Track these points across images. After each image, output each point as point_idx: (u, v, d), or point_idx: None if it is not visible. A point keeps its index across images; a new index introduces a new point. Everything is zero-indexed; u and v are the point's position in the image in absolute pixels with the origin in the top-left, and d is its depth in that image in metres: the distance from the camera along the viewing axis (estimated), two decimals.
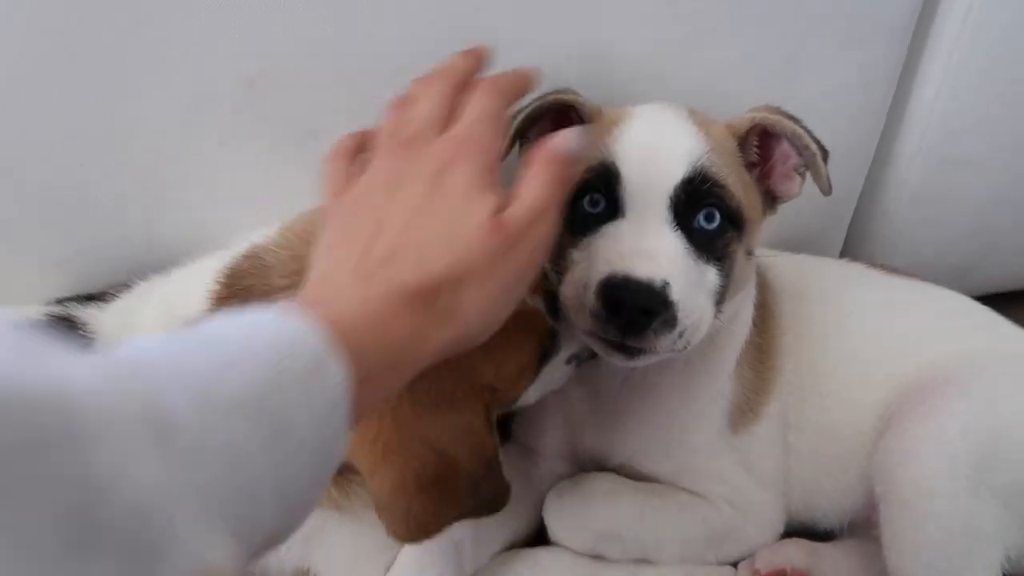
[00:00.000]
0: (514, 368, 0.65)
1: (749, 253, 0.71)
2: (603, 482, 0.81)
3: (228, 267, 0.70)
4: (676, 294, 0.62)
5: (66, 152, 0.77)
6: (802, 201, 0.77)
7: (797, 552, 0.83)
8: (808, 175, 0.73)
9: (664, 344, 0.63)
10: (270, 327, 0.40)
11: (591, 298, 0.63)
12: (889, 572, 0.77)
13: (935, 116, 0.98)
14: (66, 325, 0.72)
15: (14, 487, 0.26)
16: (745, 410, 0.81)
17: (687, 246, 0.65)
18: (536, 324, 0.67)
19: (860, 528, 0.87)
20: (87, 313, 0.73)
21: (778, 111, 0.71)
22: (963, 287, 0.95)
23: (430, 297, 0.46)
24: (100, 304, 0.75)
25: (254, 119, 0.79)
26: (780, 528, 0.84)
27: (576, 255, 0.68)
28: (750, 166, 0.72)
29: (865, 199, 1.08)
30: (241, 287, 0.67)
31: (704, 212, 0.66)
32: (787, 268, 0.90)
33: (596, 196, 0.68)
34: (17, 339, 0.30)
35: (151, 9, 0.71)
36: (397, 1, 0.75)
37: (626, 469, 0.81)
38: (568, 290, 0.67)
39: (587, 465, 0.85)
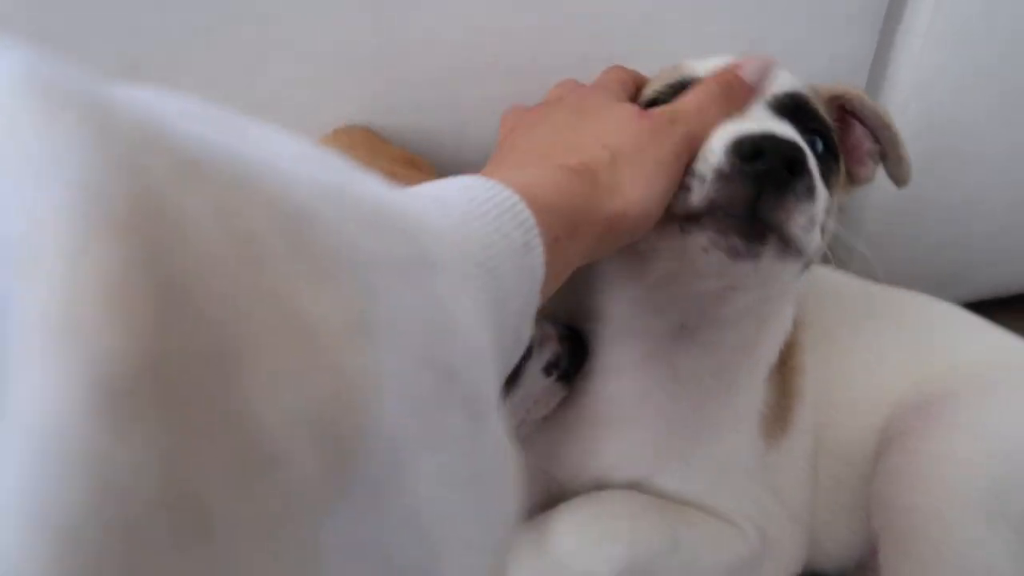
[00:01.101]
0: None
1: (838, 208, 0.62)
2: (625, 502, 0.67)
3: None
4: (812, 164, 0.52)
5: None
6: None
7: None
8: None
9: (798, 223, 0.50)
10: (487, 193, 0.38)
11: (719, 159, 0.51)
12: None
13: (907, 124, 0.91)
14: None
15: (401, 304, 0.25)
16: (777, 417, 0.71)
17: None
18: None
19: None
20: None
21: (863, 94, 0.65)
22: (945, 297, 0.88)
23: (594, 175, 0.48)
24: None
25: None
26: (799, 571, 0.73)
27: None
28: None
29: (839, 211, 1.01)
30: None
31: (809, 130, 0.58)
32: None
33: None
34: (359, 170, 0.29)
35: None
36: None
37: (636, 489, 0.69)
38: (712, 158, 0.53)
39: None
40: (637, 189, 0.49)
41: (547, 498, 0.73)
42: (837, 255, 0.61)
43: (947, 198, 1.00)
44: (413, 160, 0.71)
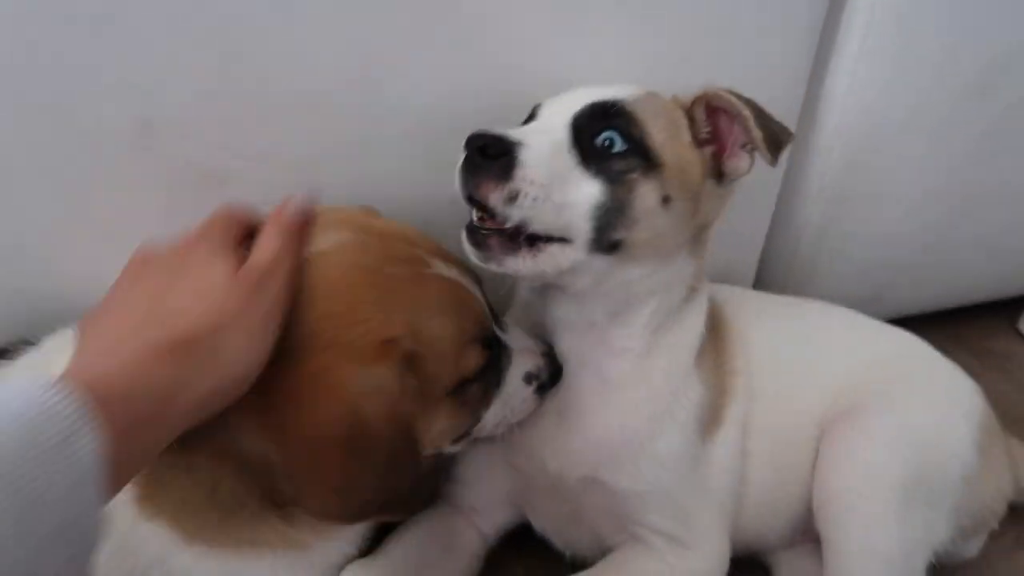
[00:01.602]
0: (448, 329, 0.64)
1: (667, 200, 0.70)
2: None
3: None
4: (525, 155, 0.64)
5: None
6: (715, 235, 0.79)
7: None
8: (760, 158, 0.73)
9: (495, 197, 0.63)
10: (21, 398, 0.41)
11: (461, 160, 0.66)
12: None
13: (834, 155, 1.04)
14: None
15: None
16: (712, 414, 0.81)
17: (571, 147, 0.68)
18: (468, 299, 0.68)
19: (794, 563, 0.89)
20: None
21: (730, 90, 0.72)
22: (869, 314, 0.99)
23: (191, 345, 0.50)
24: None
25: (151, 162, 0.76)
26: (724, 567, 0.81)
27: None
28: (704, 142, 0.74)
29: (772, 235, 1.13)
30: None
31: (605, 134, 0.68)
32: (728, 295, 0.93)
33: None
34: None
35: (42, 48, 0.68)
36: (290, 44, 0.75)
37: (588, 486, 0.78)
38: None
39: (536, 495, 0.83)
40: (241, 355, 0.53)
41: (523, 488, 0.84)
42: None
43: (868, 230, 1.13)
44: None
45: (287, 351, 0.58)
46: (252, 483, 0.63)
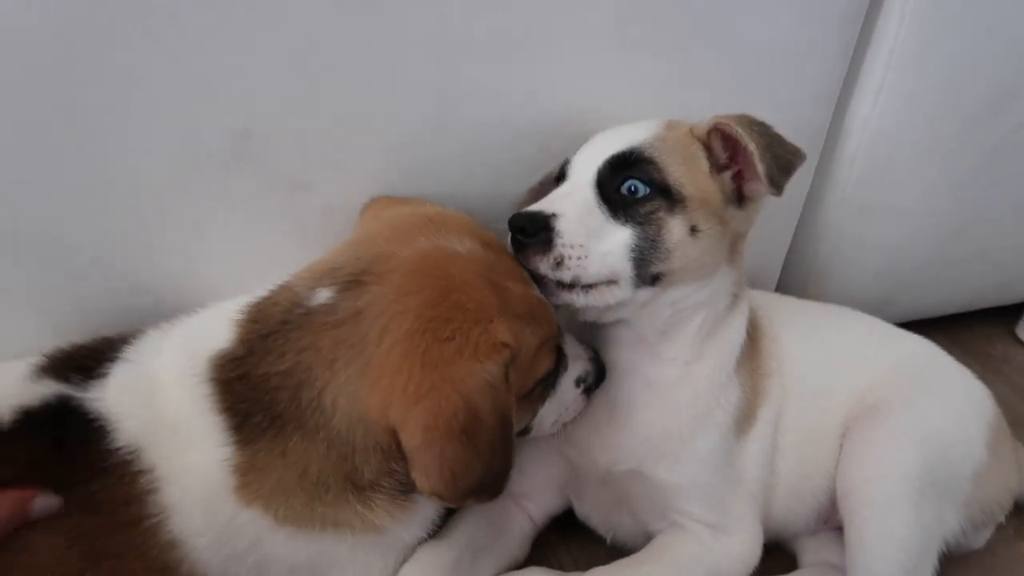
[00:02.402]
0: (532, 342, 0.71)
1: (695, 230, 0.77)
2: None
3: (255, 300, 0.73)
4: (559, 224, 0.74)
5: (55, 201, 0.78)
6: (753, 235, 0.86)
7: None
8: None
9: (543, 265, 0.74)
10: None
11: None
12: (850, 571, 0.85)
13: (855, 171, 1.11)
14: (66, 412, 0.70)
15: None
16: (747, 414, 0.88)
17: (598, 202, 0.77)
18: (546, 311, 0.75)
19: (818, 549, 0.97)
20: (89, 394, 0.71)
21: (743, 117, 0.77)
22: (881, 317, 1.07)
23: None
24: (99, 376, 0.73)
25: (243, 171, 0.82)
26: (757, 556, 0.88)
27: None
28: (723, 168, 0.80)
29: (795, 242, 1.20)
30: (261, 311, 0.72)
31: (628, 183, 0.77)
32: (762, 301, 1.00)
33: (561, 180, 0.83)
34: None
35: (143, 62, 0.73)
36: (377, 61, 0.80)
37: (632, 477, 0.86)
38: None
39: (585, 485, 0.91)
40: None
41: (572, 478, 0.91)
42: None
43: (881, 240, 1.21)
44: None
45: (409, 335, 0.64)
46: (337, 466, 0.69)
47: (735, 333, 0.87)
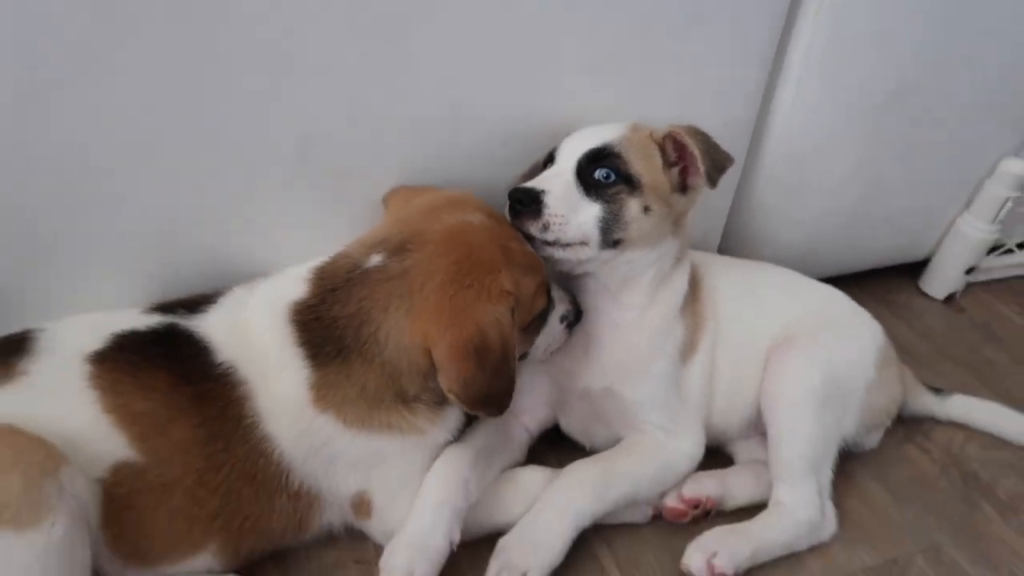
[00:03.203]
0: (530, 287, 0.96)
1: (648, 209, 1.03)
2: (579, 474, 1.07)
3: (320, 264, 0.97)
4: (547, 198, 0.98)
5: (158, 182, 1.00)
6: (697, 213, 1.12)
7: (712, 484, 1.16)
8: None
9: (534, 228, 0.98)
10: None
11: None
12: (772, 464, 1.12)
13: (780, 154, 1.37)
14: (178, 334, 0.94)
15: None
16: (690, 346, 1.15)
17: (576, 184, 1.01)
18: (539, 263, 1.00)
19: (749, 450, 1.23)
20: (193, 322, 0.96)
21: (690, 128, 1.03)
22: (806, 273, 1.33)
23: None
24: (200, 313, 0.97)
25: (305, 165, 1.05)
26: (700, 453, 1.15)
27: None
28: (671, 164, 1.05)
29: (733, 212, 1.46)
30: (328, 271, 0.95)
31: (602, 170, 1.01)
32: (700, 258, 1.26)
33: (549, 163, 1.07)
34: None
35: (234, 77, 0.95)
36: (403, 81, 1.03)
37: (605, 394, 1.12)
38: None
39: (569, 401, 1.17)
40: None
41: (559, 398, 1.16)
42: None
43: (804, 210, 1.47)
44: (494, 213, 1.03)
45: (442, 285, 0.88)
46: (389, 384, 0.93)
47: (679, 286, 1.13)
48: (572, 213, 0.99)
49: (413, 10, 0.98)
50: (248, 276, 1.03)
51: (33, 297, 1.01)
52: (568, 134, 1.09)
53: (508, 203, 1.00)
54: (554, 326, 1.07)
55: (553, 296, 1.06)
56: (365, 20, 0.96)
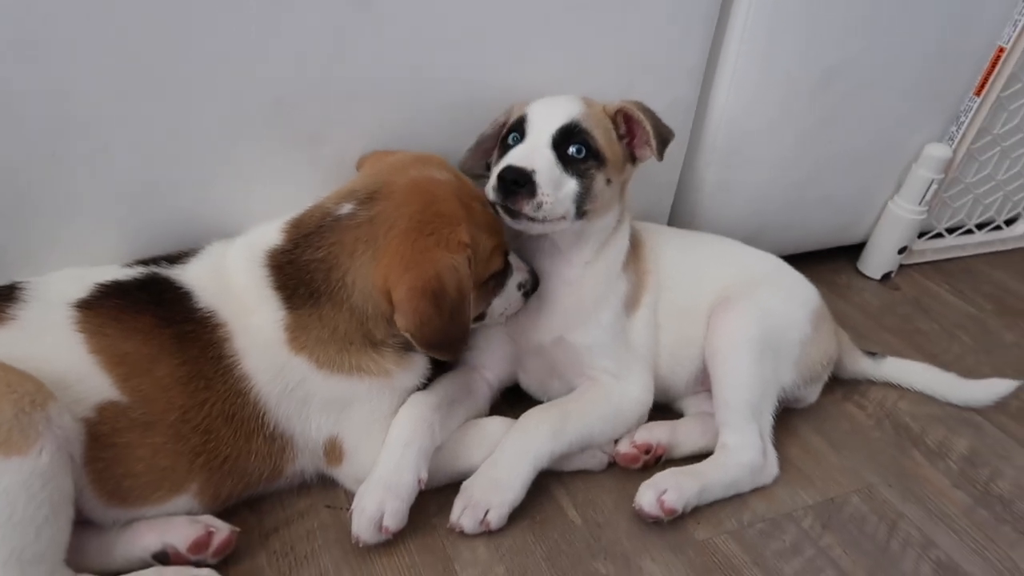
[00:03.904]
0: (488, 246, 1.04)
1: (609, 181, 1.13)
2: (544, 413, 1.16)
3: (296, 215, 1.04)
4: (538, 178, 1.04)
5: (137, 140, 1.06)
6: (640, 188, 1.22)
7: (662, 432, 1.24)
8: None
9: (528, 208, 1.04)
10: None
11: (494, 179, 1.06)
12: (717, 410, 1.21)
13: (721, 132, 1.47)
14: (159, 282, 1.00)
15: None
16: (633, 299, 1.24)
17: (556, 161, 1.08)
18: (499, 226, 1.07)
19: (697, 404, 1.32)
20: (174, 271, 1.02)
21: (638, 104, 1.13)
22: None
23: None
24: (180, 264, 1.04)
25: (279, 128, 1.12)
26: (649, 399, 1.23)
27: (495, 168, 1.08)
28: (620, 137, 1.15)
29: (680, 188, 1.57)
30: (302, 220, 1.03)
31: (574, 146, 1.08)
32: (646, 227, 1.36)
33: (516, 134, 1.12)
34: None
35: (210, 44, 1.02)
36: (373, 49, 1.11)
37: (557, 344, 1.20)
38: (491, 181, 1.08)
39: (525, 357, 1.24)
40: None
41: (517, 354, 1.24)
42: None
43: (745, 187, 1.58)
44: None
45: (404, 231, 0.96)
46: (357, 327, 1.00)
47: (621, 244, 1.23)
48: (557, 191, 1.06)
49: None
50: (225, 235, 1.08)
51: (13, 253, 1.07)
52: (518, 102, 1.17)
53: (497, 182, 1.05)
54: (511, 292, 1.14)
55: (511, 263, 1.13)
56: None
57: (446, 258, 0.97)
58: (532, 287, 1.17)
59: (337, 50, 1.09)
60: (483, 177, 1.15)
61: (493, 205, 1.08)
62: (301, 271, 0.99)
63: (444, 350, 1.01)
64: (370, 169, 1.10)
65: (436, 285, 0.95)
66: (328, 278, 0.98)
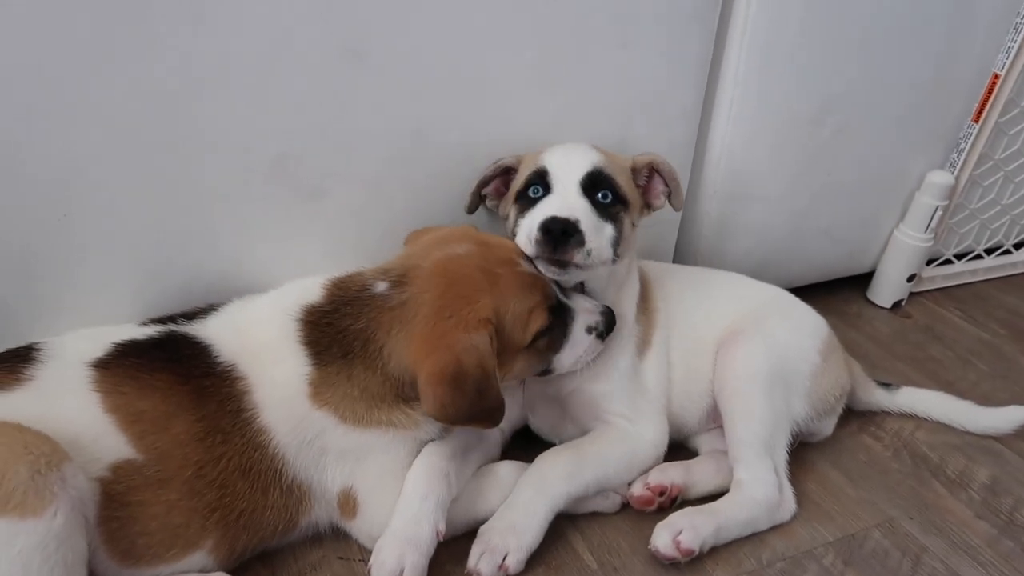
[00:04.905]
0: (521, 307, 1.03)
1: (633, 225, 1.17)
2: (559, 455, 1.16)
3: (337, 277, 1.07)
4: (584, 227, 1.06)
5: (144, 197, 1.08)
6: (644, 226, 1.24)
7: (676, 472, 1.23)
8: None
9: (578, 257, 1.05)
10: None
11: (535, 232, 1.06)
12: (729, 446, 1.20)
13: (720, 170, 1.49)
14: (177, 339, 1.02)
15: None
16: (644, 339, 1.24)
17: (591, 208, 1.10)
18: (537, 283, 1.06)
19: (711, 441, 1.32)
20: (193, 327, 1.04)
21: (665, 159, 1.19)
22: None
23: None
24: (199, 319, 1.06)
25: (280, 183, 1.14)
26: (664, 442, 1.23)
27: (523, 220, 1.11)
28: (639, 186, 1.19)
29: (683, 225, 1.58)
30: (345, 285, 1.05)
31: (601, 192, 1.11)
32: (651, 265, 1.37)
33: (536, 187, 1.14)
34: None
35: (216, 101, 1.05)
36: (372, 103, 1.14)
37: (574, 391, 1.21)
38: (521, 237, 1.11)
39: (538, 402, 1.25)
40: None
41: (529, 399, 1.26)
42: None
43: (748, 222, 1.59)
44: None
45: (426, 317, 0.98)
46: (391, 389, 1.01)
47: (634, 285, 1.25)
48: (599, 236, 1.08)
49: (373, 45, 1.09)
50: (233, 291, 1.11)
51: (22, 312, 1.09)
52: (528, 153, 1.21)
53: (542, 235, 1.05)
54: (579, 338, 1.12)
55: (575, 307, 1.12)
56: (331, 51, 1.07)
57: (464, 339, 0.97)
58: (607, 327, 1.15)
59: (335, 103, 1.12)
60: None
61: (530, 258, 1.09)
62: (339, 335, 1.01)
63: (477, 423, 1.02)
64: (409, 248, 1.14)
65: (455, 369, 0.96)
66: (366, 347, 1.01)
